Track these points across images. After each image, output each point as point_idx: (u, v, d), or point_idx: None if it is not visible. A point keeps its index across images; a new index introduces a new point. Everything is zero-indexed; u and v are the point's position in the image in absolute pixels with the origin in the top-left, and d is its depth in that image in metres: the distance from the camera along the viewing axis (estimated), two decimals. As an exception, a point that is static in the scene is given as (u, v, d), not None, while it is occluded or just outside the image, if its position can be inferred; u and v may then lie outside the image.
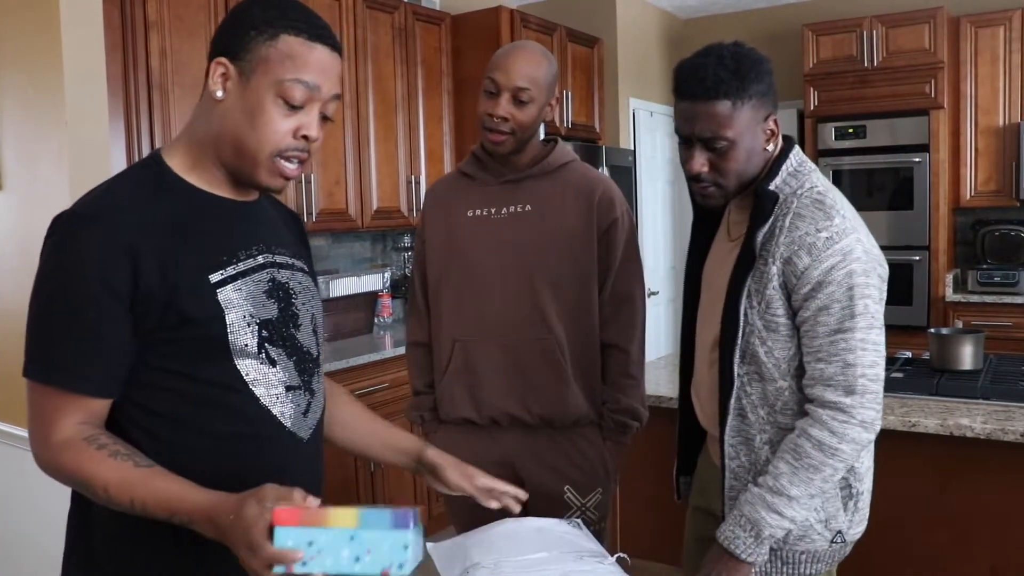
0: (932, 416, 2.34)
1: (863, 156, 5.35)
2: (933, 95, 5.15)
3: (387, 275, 4.67)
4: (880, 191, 5.35)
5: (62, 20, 2.80)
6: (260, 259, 1.35)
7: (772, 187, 1.64)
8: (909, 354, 3.08)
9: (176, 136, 1.38)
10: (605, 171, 5.08)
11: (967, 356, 2.71)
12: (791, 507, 1.58)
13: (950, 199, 5.36)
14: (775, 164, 1.66)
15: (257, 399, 1.31)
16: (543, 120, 2.11)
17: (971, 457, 2.33)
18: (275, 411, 1.33)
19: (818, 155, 5.46)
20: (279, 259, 1.39)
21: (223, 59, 1.27)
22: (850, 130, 5.34)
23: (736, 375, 1.67)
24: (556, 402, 2.11)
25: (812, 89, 5.45)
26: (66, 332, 1.22)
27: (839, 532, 1.69)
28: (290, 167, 1.30)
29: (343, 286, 4.32)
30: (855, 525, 1.71)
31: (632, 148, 5.82)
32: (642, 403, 2.18)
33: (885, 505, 2.43)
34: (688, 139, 1.64)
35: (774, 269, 1.60)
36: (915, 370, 2.76)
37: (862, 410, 1.56)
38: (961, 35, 5.25)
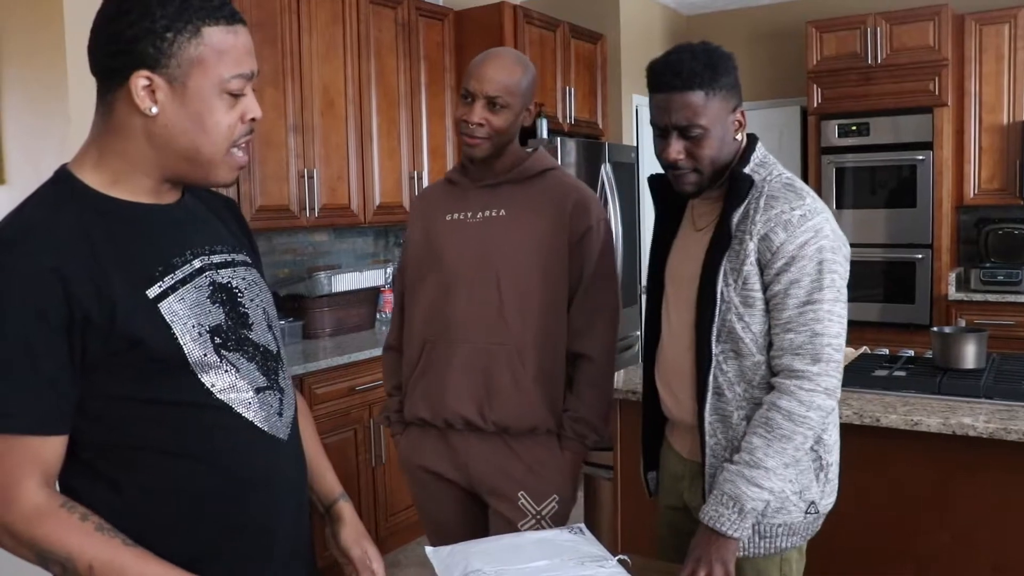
0: (935, 415, 2.33)
1: (866, 154, 5.33)
2: (937, 92, 5.13)
3: (389, 270, 4.67)
4: (883, 189, 5.34)
5: (65, 15, 2.81)
6: (196, 263, 1.28)
7: (746, 172, 1.76)
8: (912, 352, 3.08)
9: (82, 152, 1.27)
10: (608, 167, 5.08)
11: (970, 355, 2.70)
12: (768, 478, 1.67)
13: (953, 197, 5.35)
14: (744, 153, 1.80)
15: (230, 408, 1.26)
16: (521, 125, 2.14)
17: (974, 456, 2.32)
18: (250, 417, 1.28)
19: (821, 152, 5.45)
20: (216, 258, 1.32)
21: (143, 72, 1.17)
22: (853, 127, 5.33)
23: (713, 354, 1.75)
24: (513, 409, 2.10)
25: (815, 86, 5.43)
26: (3, 372, 1.12)
27: (812, 503, 1.78)
28: (242, 155, 1.28)
29: (345, 281, 4.31)
30: (826, 496, 1.81)
31: (635, 144, 5.82)
32: (604, 415, 2.18)
33: (886, 504, 2.43)
34: (664, 129, 1.76)
35: (751, 246, 1.70)
36: (918, 369, 2.76)
37: (826, 378, 1.68)
38: (966, 32, 5.23)
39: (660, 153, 1.79)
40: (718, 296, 1.73)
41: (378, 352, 3.89)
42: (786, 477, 1.70)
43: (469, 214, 2.16)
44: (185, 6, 1.18)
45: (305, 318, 4.17)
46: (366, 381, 3.77)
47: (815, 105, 5.45)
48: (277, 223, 3.87)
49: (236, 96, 1.23)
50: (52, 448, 1.16)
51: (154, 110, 1.19)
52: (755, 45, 6.16)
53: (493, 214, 2.14)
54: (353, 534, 1.53)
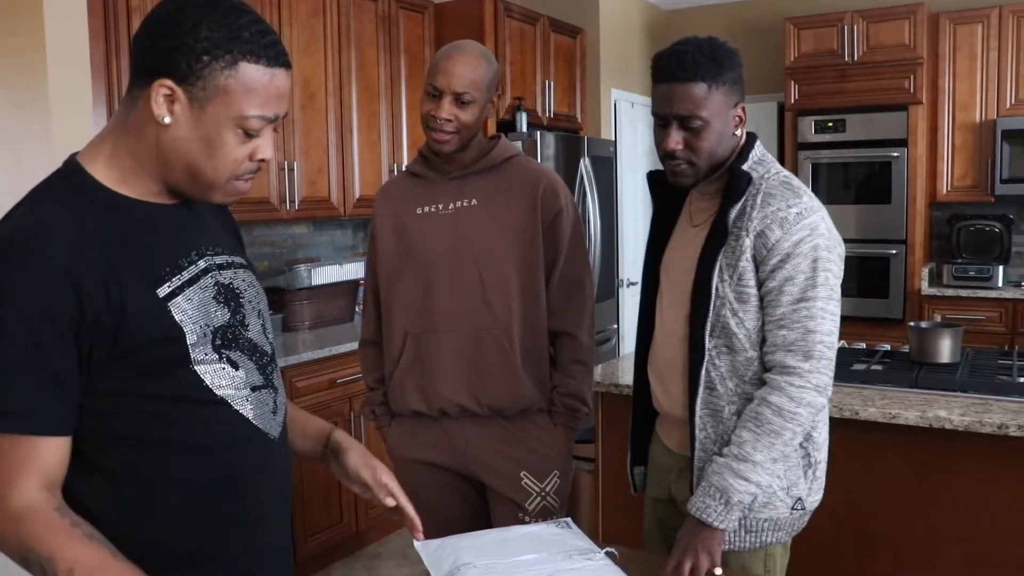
0: (912, 408, 2.38)
1: (842, 150, 5.40)
2: (912, 90, 5.21)
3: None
4: (858, 185, 5.41)
5: (44, 4, 2.77)
6: (201, 264, 1.29)
7: (744, 169, 1.77)
8: (888, 347, 3.13)
9: (95, 143, 1.28)
10: (587, 161, 5.10)
11: (945, 349, 2.75)
12: (756, 472, 1.68)
13: (927, 194, 5.43)
14: (743, 150, 1.81)
15: (229, 404, 1.28)
16: (486, 116, 2.17)
17: (948, 448, 2.37)
18: (246, 414, 1.30)
19: (797, 148, 5.51)
20: (218, 260, 1.33)
21: (168, 82, 1.17)
22: (829, 124, 5.39)
23: (706, 348, 1.77)
24: (506, 391, 2.16)
25: (792, 82, 5.49)
26: (7, 373, 1.13)
27: (799, 499, 1.80)
28: (243, 185, 1.27)
29: (325, 274, 4.30)
30: (813, 493, 1.83)
31: (613, 139, 5.84)
32: (589, 389, 2.25)
33: (864, 495, 2.48)
34: (665, 119, 1.77)
35: (747, 242, 1.72)
36: (895, 363, 2.81)
37: (817, 375, 1.69)
38: (940, 31, 5.31)
39: (659, 143, 1.80)
40: (713, 291, 1.75)
41: (357, 344, 3.90)
42: (774, 472, 1.72)
43: (440, 206, 2.19)
44: (233, 36, 1.17)
45: (285, 311, 4.16)
46: (347, 374, 3.76)
47: (792, 101, 5.51)
48: (257, 215, 3.85)
49: (252, 134, 1.23)
50: (54, 449, 1.16)
51: (167, 120, 1.19)
52: (733, 41, 5.92)
53: (465, 204, 2.18)
54: (359, 458, 1.51)
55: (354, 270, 4.48)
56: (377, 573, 3.72)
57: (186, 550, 1.23)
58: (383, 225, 2.27)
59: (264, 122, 1.22)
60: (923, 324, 2.87)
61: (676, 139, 1.75)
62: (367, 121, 4.39)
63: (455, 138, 2.11)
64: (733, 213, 1.74)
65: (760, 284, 1.73)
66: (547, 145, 4.86)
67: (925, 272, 5.38)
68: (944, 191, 5.44)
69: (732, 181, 1.75)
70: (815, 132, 5.44)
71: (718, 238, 1.75)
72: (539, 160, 4.74)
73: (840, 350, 3.04)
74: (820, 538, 2.32)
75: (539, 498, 2.19)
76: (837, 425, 2.38)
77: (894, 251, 5.29)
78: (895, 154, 5.24)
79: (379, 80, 4.44)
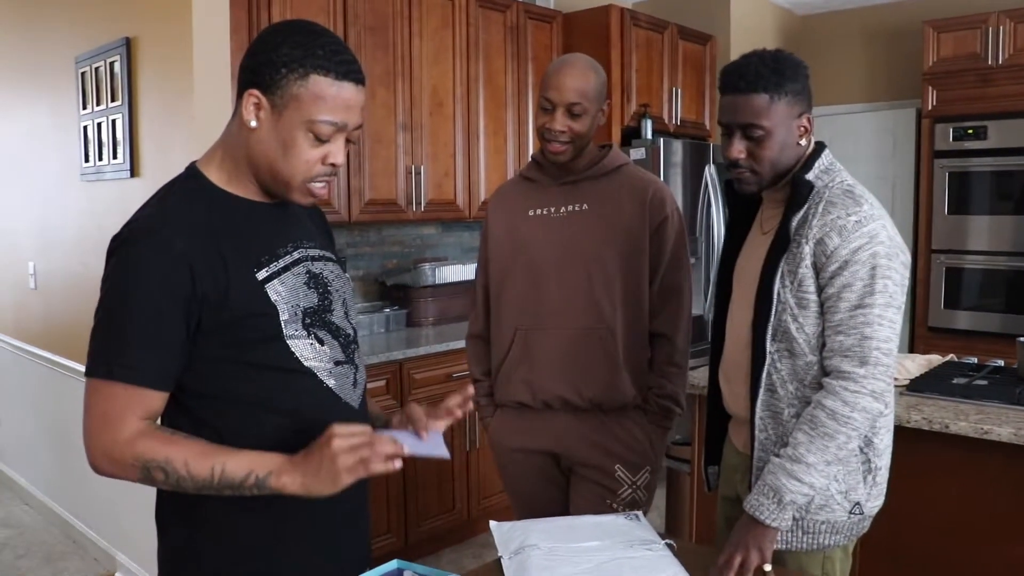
0: (1007, 424, 2.32)
1: (983, 158, 5.16)
2: (1062, 95, 4.94)
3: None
4: (1001, 195, 5.16)
5: (194, 23, 3.07)
6: (296, 254, 1.51)
7: (807, 178, 1.82)
8: (1001, 363, 3.03)
9: (210, 150, 1.53)
10: (712, 168, 5.11)
11: (1056, 367, 2.66)
12: (809, 473, 1.73)
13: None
14: (809, 159, 1.85)
15: (315, 374, 1.48)
16: (596, 125, 2.28)
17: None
18: (330, 384, 1.50)
19: (934, 156, 5.31)
20: (311, 252, 1.55)
21: (255, 91, 1.40)
22: (969, 131, 5.17)
23: (768, 352, 1.82)
24: (607, 388, 2.27)
25: (931, 88, 5.30)
26: (131, 334, 1.35)
27: (857, 504, 1.83)
28: (319, 188, 1.46)
29: (451, 273, 4.50)
30: (873, 498, 1.86)
31: (743, 145, 5.79)
32: (683, 391, 2.33)
33: (958, 514, 2.44)
34: (729, 128, 1.84)
35: (807, 250, 1.77)
36: (1001, 379, 2.73)
37: (873, 381, 1.72)
38: (1095, 33, 5.01)
39: (724, 152, 1.88)
40: (775, 296, 1.81)
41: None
42: (828, 474, 1.75)
43: (552, 209, 2.33)
44: (308, 53, 1.38)
45: (410, 307, 4.40)
46: (463, 369, 3.92)
47: (929, 108, 5.33)
48: (384, 216, 4.10)
49: (322, 141, 1.42)
50: (157, 400, 1.39)
51: (253, 124, 1.41)
52: (870, 45, 6.05)
53: (576, 208, 2.31)
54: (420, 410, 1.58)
55: (477, 270, 4.67)
56: (484, 562, 3.88)
57: (265, 502, 1.40)
58: (496, 225, 2.42)
59: (333, 128, 1.41)
60: (1033, 339, 2.78)
61: (739, 148, 1.82)
62: (494, 127, 4.57)
63: (569, 148, 2.25)
64: (795, 221, 1.80)
65: (820, 290, 1.78)
66: (673, 152, 4.90)
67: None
68: (1097, 202, 5.13)
69: (795, 190, 1.82)
70: (953, 139, 5.23)
71: (781, 245, 1.81)
72: (664, 167, 4.80)
73: (947, 364, 2.99)
74: (908, 555, 2.32)
75: (630, 489, 2.31)
76: (928, 439, 2.38)
77: (1039, 264, 5.03)
78: (1041, 163, 4.99)
79: (506, 88, 4.62)
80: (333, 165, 1.45)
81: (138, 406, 1.36)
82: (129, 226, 1.42)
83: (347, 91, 1.41)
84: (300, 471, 1.33)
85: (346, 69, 1.41)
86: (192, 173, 1.50)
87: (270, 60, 1.39)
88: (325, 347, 1.50)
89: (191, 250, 1.37)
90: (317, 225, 1.67)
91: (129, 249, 1.37)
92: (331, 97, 1.40)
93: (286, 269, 1.48)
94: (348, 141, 1.46)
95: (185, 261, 1.36)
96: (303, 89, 1.38)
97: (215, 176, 1.48)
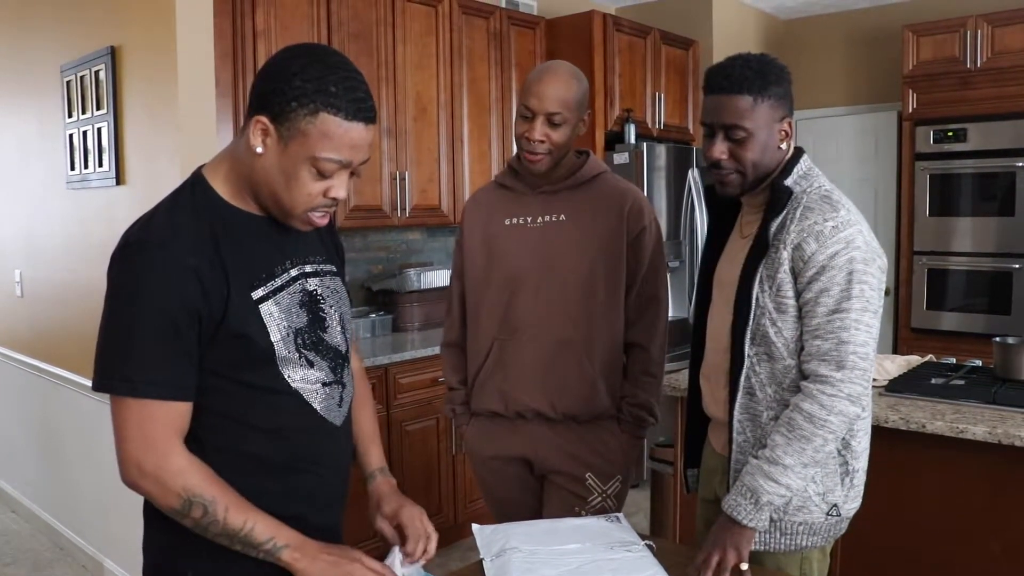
0: (982, 423, 2.35)
1: (963, 160, 5.23)
2: (1039, 97, 5.00)
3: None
4: (980, 196, 5.23)
5: (178, 31, 3.09)
6: (293, 272, 1.51)
7: (786, 184, 1.84)
8: (979, 362, 3.08)
9: (218, 159, 1.51)
10: (696, 172, 5.15)
11: (1031, 366, 2.70)
12: (786, 475, 1.75)
13: (1055, 205, 5.20)
14: (788, 165, 1.88)
15: (300, 396, 1.49)
16: (577, 135, 2.26)
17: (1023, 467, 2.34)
18: (315, 406, 1.52)
19: (916, 158, 5.37)
20: (308, 268, 1.55)
21: (263, 119, 1.38)
22: (949, 133, 5.24)
23: (746, 355, 1.85)
24: (582, 400, 2.27)
25: (911, 91, 5.36)
26: (154, 349, 1.35)
27: (835, 505, 1.86)
28: (319, 217, 1.47)
29: (436, 278, 4.52)
30: (850, 500, 1.88)
31: (726, 148, 5.84)
32: (657, 401, 2.34)
33: (936, 512, 2.47)
34: (712, 128, 1.85)
35: (785, 254, 1.79)
36: (978, 378, 2.77)
37: (850, 384, 1.74)
38: (1072, 36, 5.08)
39: (705, 152, 1.90)
40: (753, 301, 1.83)
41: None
42: (805, 476, 1.78)
43: (529, 219, 2.30)
44: (319, 89, 1.35)
45: (395, 312, 4.42)
46: (448, 373, 3.96)
47: (910, 110, 5.39)
48: (370, 222, 4.12)
49: (326, 176, 1.41)
50: (186, 411, 1.40)
51: (259, 149, 1.40)
52: (851, 49, 6.11)
53: (553, 219, 2.28)
54: (393, 505, 1.68)
55: (462, 275, 4.69)
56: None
57: (257, 504, 1.43)
58: (471, 233, 2.39)
59: (336, 165, 1.40)
60: (1009, 339, 2.82)
61: (721, 148, 1.83)
62: (478, 133, 4.60)
63: (547, 158, 2.22)
64: (774, 226, 1.82)
65: (798, 295, 1.80)
66: (656, 156, 4.94)
67: (1053, 287, 5.16)
68: (1075, 203, 5.19)
69: (774, 195, 1.84)
70: (934, 142, 5.29)
71: (759, 250, 1.83)
72: (648, 171, 4.84)
73: (925, 364, 3.03)
74: (882, 554, 2.35)
75: (600, 497, 2.31)
76: (904, 438, 2.42)
77: (1017, 265, 5.09)
78: (1020, 164, 5.05)
79: (490, 93, 4.65)
80: (335, 199, 1.45)
81: (174, 424, 1.38)
82: (138, 234, 1.40)
83: (356, 131, 1.39)
84: (313, 559, 1.40)
85: (356, 108, 1.38)
86: (198, 182, 1.49)
87: (281, 90, 1.37)
88: (314, 369, 1.51)
89: (199, 264, 1.37)
90: (323, 234, 1.66)
91: (140, 258, 1.37)
92: (338, 136, 1.38)
93: (280, 289, 1.48)
94: (352, 175, 1.46)
95: (195, 274, 1.36)
96: (311, 126, 1.37)
97: (221, 188, 1.47)
